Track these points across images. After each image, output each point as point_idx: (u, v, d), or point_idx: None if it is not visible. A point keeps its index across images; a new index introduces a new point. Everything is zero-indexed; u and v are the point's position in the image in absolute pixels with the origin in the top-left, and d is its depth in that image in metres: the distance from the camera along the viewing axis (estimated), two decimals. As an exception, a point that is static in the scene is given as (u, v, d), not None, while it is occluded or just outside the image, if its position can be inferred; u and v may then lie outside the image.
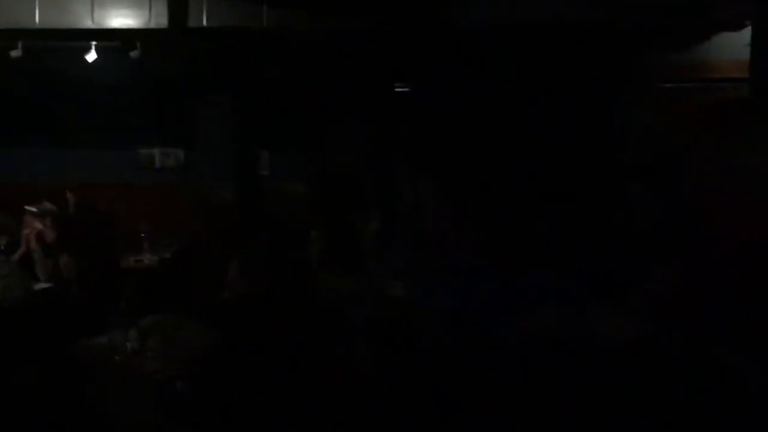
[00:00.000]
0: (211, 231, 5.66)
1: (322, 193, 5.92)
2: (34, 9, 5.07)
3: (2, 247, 4.75)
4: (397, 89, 6.08)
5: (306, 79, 5.91)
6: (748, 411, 1.45)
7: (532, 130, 5.44)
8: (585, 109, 5.53)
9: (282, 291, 3.40)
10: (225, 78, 6.15)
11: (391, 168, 5.73)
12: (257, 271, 3.46)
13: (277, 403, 3.10)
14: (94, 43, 5.52)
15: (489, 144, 5.42)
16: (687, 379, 1.57)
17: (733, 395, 1.48)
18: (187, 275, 5.54)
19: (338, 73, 5.83)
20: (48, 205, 4.78)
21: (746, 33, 3.95)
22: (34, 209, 4.65)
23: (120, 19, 5.05)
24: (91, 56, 5.58)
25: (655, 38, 5.39)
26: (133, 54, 5.48)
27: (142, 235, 5.80)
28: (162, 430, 3.00)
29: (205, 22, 5.00)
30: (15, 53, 5.44)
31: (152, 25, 5.01)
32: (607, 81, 5.54)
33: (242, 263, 3.53)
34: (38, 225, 4.59)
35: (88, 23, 5.07)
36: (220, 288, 3.97)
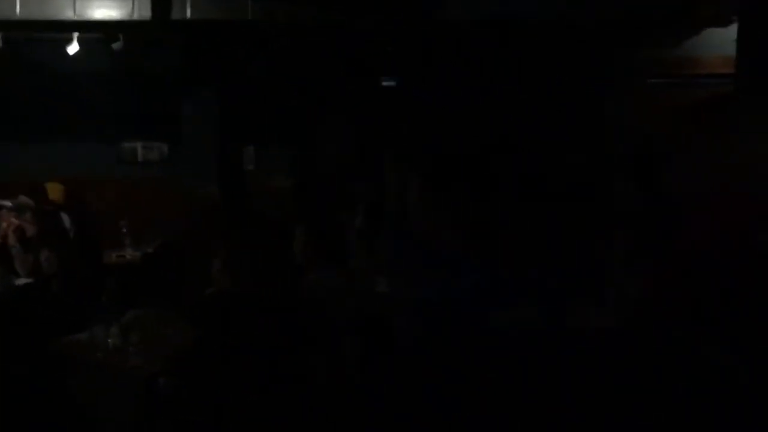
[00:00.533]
0: (195, 226, 5.61)
1: (308, 189, 5.88)
2: (15, 0, 4.99)
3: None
4: (383, 84, 6.05)
5: (291, 73, 5.86)
6: (729, 400, 1.44)
7: (518, 125, 5.43)
8: (571, 104, 5.53)
9: (266, 286, 3.37)
10: (209, 71, 6.09)
11: (378, 163, 5.70)
12: (241, 266, 3.42)
13: (261, 399, 3.08)
14: (76, 35, 5.45)
15: (475, 138, 5.40)
16: (666, 369, 1.56)
17: (714, 385, 1.48)
18: (170, 271, 5.48)
19: (324, 67, 5.79)
20: (24, 200, 4.71)
21: (734, 29, 3.96)
22: (9, 204, 4.58)
23: (103, 11, 4.97)
24: (73, 48, 5.51)
25: (641, 34, 5.39)
26: (116, 46, 5.42)
27: (124, 230, 5.74)
28: (145, 426, 2.96)
29: (189, 15, 4.94)
30: (-5, 45, 5.36)
31: (135, 17, 4.94)
32: (593, 77, 5.54)
33: (226, 259, 3.49)
34: (14, 220, 4.51)
35: (70, 14, 4.99)
36: (203, 284, 3.93)
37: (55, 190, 5.82)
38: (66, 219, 5.21)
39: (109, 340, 3.21)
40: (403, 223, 4.42)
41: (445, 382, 1.97)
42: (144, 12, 4.92)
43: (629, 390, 1.59)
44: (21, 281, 4.43)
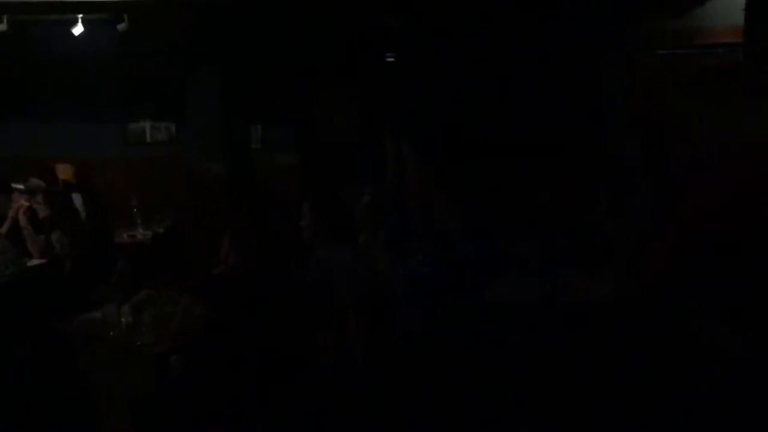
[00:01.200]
0: (204, 205, 5.64)
1: (314, 166, 5.89)
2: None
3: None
4: (388, 59, 6.02)
5: (297, 51, 5.84)
6: (723, 376, 1.46)
7: (523, 99, 5.40)
8: (577, 75, 5.48)
9: (274, 264, 3.40)
10: (215, 50, 6.07)
11: (384, 140, 5.70)
12: (249, 244, 3.45)
13: (270, 376, 3.12)
14: (80, 16, 5.44)
15: (480, 113, 5.39)
16: (662, 342, 1.57)
17: (708, 358, 1.49)
18: (180, 250, 5.53)
19: (329, 43, 5.76)
20: (36, 181, 4.75)
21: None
22: (20, 186, 4.62)
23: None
24: (78, 30, 5.50)
25: (649, 3, 5.32)
26: (121, 27, 5.41)
27: (135, 210, 5.78)
28: (156, 404, 3.02)
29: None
30: (0, 27, 5.37)
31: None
32: (600, 47, 5.49)
33: (234, 237, 3.52)
34: (24, 202, 4.55)
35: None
36: (213, 262, 3.96)
37: (65, 171, 5.87)
38: (77, 200, 5.25)
39: (121, 319, 3.25)
40: (406, 198, 4.45)
41: (448, 358, 2.00)
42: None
43: (625, 361, 1.61)
44: (34, 262, 4.49)
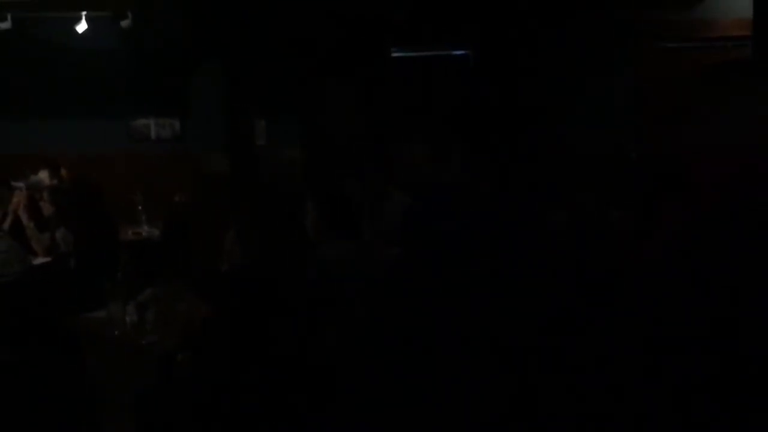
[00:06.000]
0: (208, 202, 5.62)
1: (319, 161, 5.87)
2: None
3: (-1, 222, 4.72)
4: (394, 54, 5.99)
5: (302, 46, 5.81)
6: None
7: (529, 87, 5.37)
8: (581, 67, 5.45)
9: (278, 261, 3.38)
10: (219, 46, 6.06)
11: (389, 134, 5.67)
12: (253, 241, 3.43)
13: (276, 373, 3.10)
14: (84, 13, 5.44)
15: (486, 105, 5.36)
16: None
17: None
18: (185, 247, 5.52)
19: (334, 38, 5.74)
20: (38, 179, 4.74)
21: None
22: (20, 184, 4.61)
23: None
24: (82, 27, 5.50)
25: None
26: (124, 23, 5.40)
27: (140, 207, 5.77)
28: (162, 402, 3.01)
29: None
30: (4, 25, 5.37)
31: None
32: (606, 38, 5.45)
33: (238, 233, 3.50)
34: (24, 199, 4.53)
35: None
36: (217, 259, 3.95)
37: (69, 168, 5.86)
38: (81, 197, 5.23)
39: (126, 318, 3.24)
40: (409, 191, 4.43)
41: (456, 354, 1.99)
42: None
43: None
44: (39, 260, 4.48)
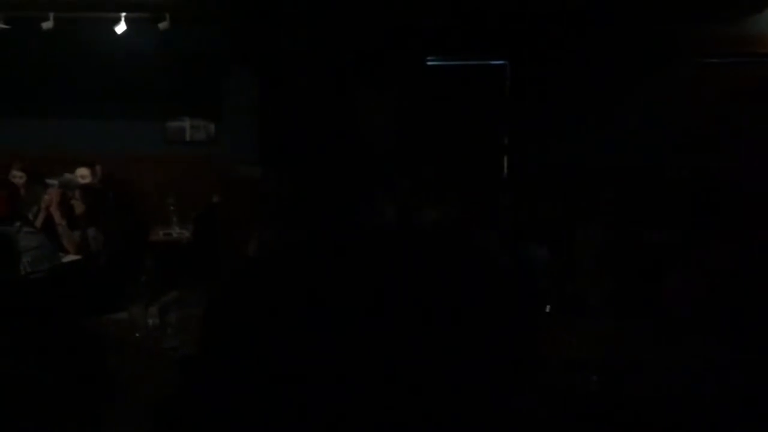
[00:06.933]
0: (238, 206, 5.61)
1: (351, 171, 5.81)
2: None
3: (32, 218, 4.76)
4: (428, 62, 5.93)
5: (336, 52, 5.78)
6: None
7: (570, 103, 5.26)
8: (620, 81, 5.31)
9: (301, 268, 3.32)
10: (254, 50, 6.06)
11: (422, 142, 5.60)
12: (277, 249, 3.38)
13: (298, 379, 3.04)
14: (123, 14, 5.49)
15: (524, 117, 5.27)
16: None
17: None
18: (213, 250, 5.51)
19: (370, 45, 5.70)
20: (70, 177, 4.77)
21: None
22: (54, 181, 4.64)
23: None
24: (121, 28, 5.55)
25: (700, 9, 5.12)
26: (162, 26, 5.43)
27: (171, 208, 5.80)
28: (181, 410, 2.97)
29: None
30: (46, 25, 5.45)
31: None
32: (650, 53, 5.30)
33: (260, 240, 3.45)
34: (57, 197, 4.55)
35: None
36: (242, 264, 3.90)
37: (103, 168, 5.92)
38: (114, 197, 5.28)
39: (148, 320, 3.22)
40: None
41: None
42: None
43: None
44: (69, 258, 4.50)
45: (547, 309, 2.82)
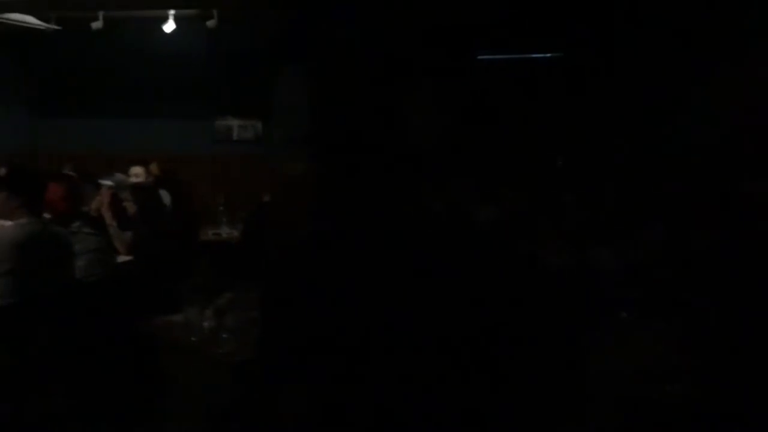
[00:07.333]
0: (288, 205, 5.54)
1: (402, 169, 5.70)
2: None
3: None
4: (480, 58, 5.79)
5: (384, 50, 5.67)
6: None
7: (626, 92, 5.06)
8: (681, 74, 5.09)
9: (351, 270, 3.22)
10: (302, 48, 5.98)
11: (477, 139, 5.47)
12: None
13: (354, 381, 2.95)
14: (172, 13, 5.46)
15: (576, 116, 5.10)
16: None
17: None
18: (264, 250, 5.45)
19: (420, 42, 5.57)
20: (120, 177, 4.74)
21: None
22: (108, 182, 4.61)
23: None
24: (170, 27, 5.52)
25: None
26: (210, 24, 5.39)
27: (220, 207, 5.76)
28: (235, 414, 2.90)
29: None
30: (96, 25, 5.45)
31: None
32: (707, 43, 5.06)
33: (312, 234, 3.35)
34: (107, 198, 4.51)
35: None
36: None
37: (154, 168, 5.91)
38: (165, 196, 5.25)
39: (204, 324, 3.14)
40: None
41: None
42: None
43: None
44: (120, 259, 4.48)
45: (623, 315, 2.66)
